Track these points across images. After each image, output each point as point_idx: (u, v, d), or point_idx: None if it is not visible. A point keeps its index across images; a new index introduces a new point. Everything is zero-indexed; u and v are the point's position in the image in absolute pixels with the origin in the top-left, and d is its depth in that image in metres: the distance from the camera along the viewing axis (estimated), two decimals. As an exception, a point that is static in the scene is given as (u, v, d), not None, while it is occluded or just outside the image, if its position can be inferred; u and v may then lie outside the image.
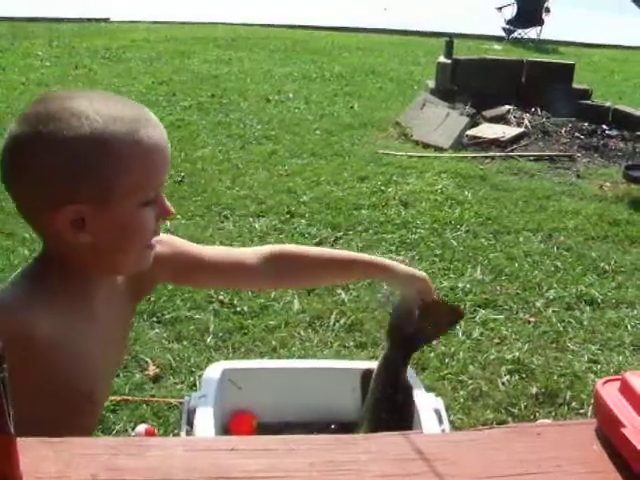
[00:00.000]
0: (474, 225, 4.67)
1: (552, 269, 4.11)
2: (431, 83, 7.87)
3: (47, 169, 1.08)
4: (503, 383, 3.02)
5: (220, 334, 3.25)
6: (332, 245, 4.23)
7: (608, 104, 7.66)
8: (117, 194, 1.10)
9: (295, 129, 6.81)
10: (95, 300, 1.22)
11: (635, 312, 3.67)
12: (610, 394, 0.90)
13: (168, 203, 1.18)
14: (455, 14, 15.89)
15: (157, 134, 1.13)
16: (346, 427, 1.93)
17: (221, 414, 1.88)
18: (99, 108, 1.09)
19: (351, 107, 7.91)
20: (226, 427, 1.99)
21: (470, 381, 3.01)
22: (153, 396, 2.78)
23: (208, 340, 3.19)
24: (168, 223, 4.31)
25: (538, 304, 3.70)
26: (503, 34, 14.75)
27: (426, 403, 1.84)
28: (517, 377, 3.07)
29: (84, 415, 1.24)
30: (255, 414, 2.02)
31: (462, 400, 2.88)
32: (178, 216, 4.43)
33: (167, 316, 3.37)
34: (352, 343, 3.24)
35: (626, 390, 0.90)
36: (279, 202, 4.87)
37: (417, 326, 1.52)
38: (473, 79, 7.42)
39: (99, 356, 1.22)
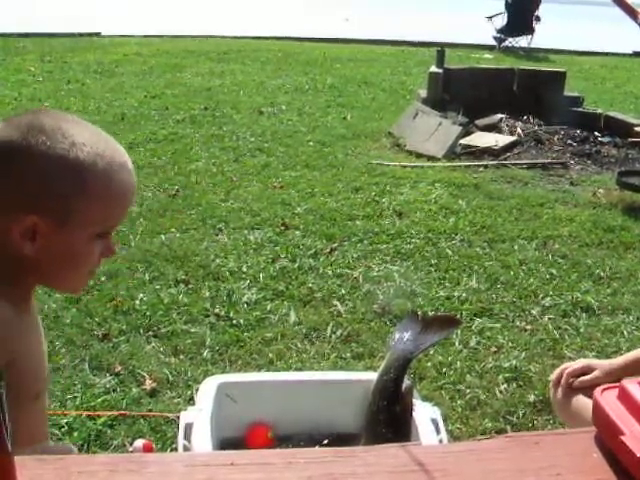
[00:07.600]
0: (469, 234, 4.68)
1: (547, 277, 4.11)
2: (423, 93, 7.89)
3: (22, 176, 1.11)
4: (501, 391, 3.01)
5: (217, 347, 3.23)
6: (328, 256, 4.23)
7: (600, 111, 7.71)
8: (75, 221, 1.15)
9: (288, 141, 6.82)
10: (31, 302, 1.27)
11: (631, 318, 3.67)
12: (609, 402, 0.90)
13: (114, 245, 1.26)
14: (446, 24, 15.97)
15: (129, 181, 1.20)
16: (345, 439, 1.93)
17: (218, 427, 1.87)
18: (88, 140, 1.14)
19: (344, 118, 7.93)
20: (242, 439, 1.99)
21: (468, 390, 3.00)
22: (150, 410, 2.76)
23: (205, 353, 3.18)
24: (163, 237, 4.31)
25: (534, 312, 3.70)
26: (494, 43, 14.84)
27: (423, 413, 1.84)
28: (515, 385, 3.07)
29: (30, 415, 1.24)
30: (271, 426, 2.02)
31: (460, 409, 2.87)
32: (173, 229, 4.42)
33: (163, 330, 3.36)
34: (349, 354, 3.23)
35: (624, 398, 0.89)
36: (273, 214, 4.87)
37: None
38: (465, 88, 7.45)
39: (43, 356, 1.29)
